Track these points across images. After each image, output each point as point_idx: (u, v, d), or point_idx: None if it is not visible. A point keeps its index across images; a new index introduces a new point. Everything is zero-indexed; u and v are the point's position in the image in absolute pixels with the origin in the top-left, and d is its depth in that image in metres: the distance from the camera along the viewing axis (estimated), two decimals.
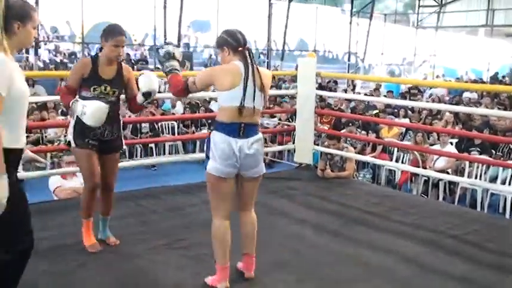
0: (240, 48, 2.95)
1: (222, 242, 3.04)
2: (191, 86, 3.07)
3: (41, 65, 16.10)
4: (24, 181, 5.92)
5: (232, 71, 2.91)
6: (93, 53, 18.44)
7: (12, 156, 2.27)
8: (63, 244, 3.64)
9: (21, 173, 6.98)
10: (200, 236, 3.84)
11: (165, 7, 17.40)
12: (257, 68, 2.97)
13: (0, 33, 2.24)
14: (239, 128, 2.91)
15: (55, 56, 18.03)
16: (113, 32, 3.41)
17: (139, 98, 3.52)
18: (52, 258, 3.39)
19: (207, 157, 2.98)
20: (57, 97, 4.48)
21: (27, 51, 16.42)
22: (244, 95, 2.88)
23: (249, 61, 2.93)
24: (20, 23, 2.32)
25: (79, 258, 3.40)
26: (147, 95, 3.48)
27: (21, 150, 2.37)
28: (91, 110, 3.13)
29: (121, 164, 6.64)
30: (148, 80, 3.47)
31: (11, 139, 2.25)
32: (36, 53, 15.86)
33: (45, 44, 17.83)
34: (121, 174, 7.17)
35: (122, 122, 3.65)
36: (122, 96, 3.65)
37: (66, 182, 5.28)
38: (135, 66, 16.78)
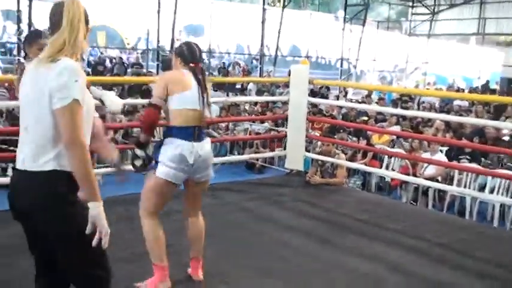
0: (191, 64, 3.06)
1: (158, 239, 3.07)
2: (155, 100, 3.01)
3: None
4: None
5: (181, 77, 3.02)
6: (85, 56, 18.28)
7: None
8: None
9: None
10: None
11: (158, 11, 17.37)
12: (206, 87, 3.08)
13: (73, 41, 2.02)
14: (194, 132, 2.99)
15: None
16: (34, 37, 3.52)
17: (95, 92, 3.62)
18: None
19: (156, 162, 3.01)
20: None
21: (19, 54, 16.36)
22: (198, 97, 3.00)
23: (202, 76, 3.05)
24: (88, 27, 2.15)
25: None
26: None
27: None
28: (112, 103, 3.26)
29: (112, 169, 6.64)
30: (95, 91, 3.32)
31: None
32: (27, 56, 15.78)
33: None
34: (110, 179, 7.13)
35: None
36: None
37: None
38: (130, 70, 16.75)
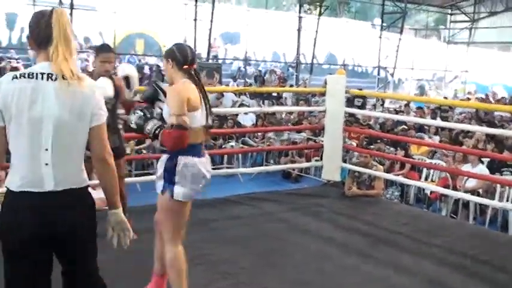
0: (185, 66, 2.85)
1: (183, 271, 2.87)
2: (181, 119, 2.72)
3: None
4: None
5: (194, 91, 2.81)
6: (123, 63, 18.67)
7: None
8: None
9: None
10: (226, 252, 3.84)
11: (195, 19, 17.57)
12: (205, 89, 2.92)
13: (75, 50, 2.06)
14: (201, 149, 2.87)
15: (86, 65, 18.36)
16: (101, 50, 3.83)
17: (127, 94, 3.84)
18: None
19: (171, 183, 2.78)
20: None
21: None
22: (207, 114, 2.87)
23: (197, 81, 2.86)
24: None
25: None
26: (126, 79, 3.80)
27: None
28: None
29: (145, 178, 6.72)
30: (123, 67, 3.86)
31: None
32: None
33: (78, 54, 18.16)
34: (147, 186, 7.21)
35: (122, 131, 3.99)
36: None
37: (95, 192, 5.33)
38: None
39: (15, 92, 1.92)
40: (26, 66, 16.32)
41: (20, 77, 1.94)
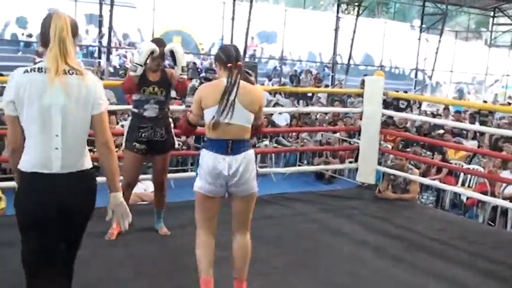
0: (229, 64, 2.91)
1: (205, 256, 2.97)
2: (190, 116, 3.05)
3: (112, 70, 16.67)
4: None
5: (215, 89, 2.89)
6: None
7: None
8: (137, 247, 3.73)
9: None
10: (259, 252, 3.83)
11: (233, 18, 17.64)
12: (241, 85, 2.89)
13: (74, 50, 2.27)
14: (227, 145, 2.86)
15: (125, 61, 18.65)
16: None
17: (176, 70, 3.92)
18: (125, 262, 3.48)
19: (197, 174, 2.95)
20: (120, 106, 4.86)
21: (99, 57, 17.08)
22: (222, 111, 2.83)
23: (234, 78, 2.88)
24: (76, 39, 2.36)
25: (130, 263, 3.47)
26: (172, 54, 3.89)
27: None
28: (144, 43, 3.82)
29: (179, 175, 6.79)
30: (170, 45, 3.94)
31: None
32: (108, 59, 16.44)
33: (116, 50, 18.46)
34: (181, 183, 7.28)
35: (172, 125, 4.04)
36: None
37: None
38: (203, 75, 17.06)
39: (27, 84, 2.16)
40: None
41: (30, 71, 2.18)
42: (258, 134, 3.41)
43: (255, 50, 19.92)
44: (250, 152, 2.93)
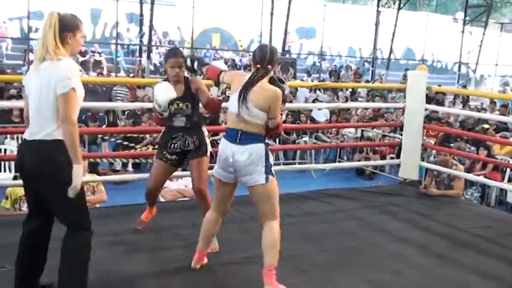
0: (258, 66, 3.08)
1: (204, 230, 3.33)
2: (222, 75, 3.35)
3: (152, 68, 16.90)
4: (133, 182, 6.26)
5: (241, 79, 3.12)
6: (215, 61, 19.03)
7: None
8: (165, 246, 3.77)
9: (130, 175, 7.41)
10: (300, 248, 3.83)
11: (271, 14, 17.60)
12: (258, 84, 3.04)
13: (55, 40, 2.63)
14: (236, 135, 3.06)
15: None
16: (169, 55, 3.81)
17: (214, 92, 3.92)
18: (156, 257, 3.53)
19: None
20: None
21: (140, 55, 17.33)
22: (237, 101, 3.04)
23: (256, 77, 3.06)
24: (72, 34, 2.71)
25: (182, 261, 3.50)
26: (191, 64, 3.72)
27: None
28: (158, 93, 3.65)
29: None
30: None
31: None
32: (148, 57, 16.67)
33: (157, 48, 18.69)
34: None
35: (205, 133, 3.90)
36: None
37: (172, 183, 5.48)
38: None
39: (28, 73, 2.77)
40: (108, 60, 17.06)
41: (32, 64, 2.77)
42: (276, 136, 3.45)
43: (289, 46, 19.81)
44: (259, 146, 3.06)
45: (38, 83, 2.64)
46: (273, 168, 3.14)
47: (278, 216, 3.17)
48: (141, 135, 8.90)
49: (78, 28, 2.75)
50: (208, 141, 3.90)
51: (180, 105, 3.74)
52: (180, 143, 3.78)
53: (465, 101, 15.17)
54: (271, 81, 3.12)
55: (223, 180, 3.18)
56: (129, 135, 8.40)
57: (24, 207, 4.53)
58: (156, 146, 4.21)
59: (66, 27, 2.68)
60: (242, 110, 3.03)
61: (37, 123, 2.66)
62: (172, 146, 3.78)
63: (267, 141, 3.17)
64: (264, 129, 3.11)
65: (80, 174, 2.62)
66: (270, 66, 3.08)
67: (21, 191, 4.50)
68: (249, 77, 3.08)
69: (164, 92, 3.65)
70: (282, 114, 3.24)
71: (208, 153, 3.88)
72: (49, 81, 2.60)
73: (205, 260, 3.42)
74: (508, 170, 7.53)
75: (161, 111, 3.69)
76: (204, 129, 3.92)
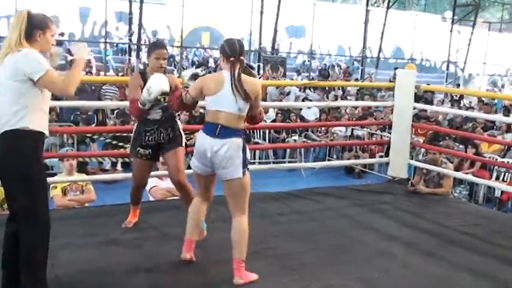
0: (231, 58, 3.14)
1: (192, 218, 3.40)
2: (186, 96, 3.33)
3: (141, 66, 16.84)
4: (123, 181, 6.23)
5: (216, 80, 3.18)
6: (190, 56, 18.99)
7: (34, 136, 2.73)
8: (155, 244, 3.76)
9: (120, 174, 7.37)
10: (289, 246, 3.84)
11: (261, 12, 17.60)
12: (240, 78, 3.11)
13: (19, 37, 2.70)
14: (216, 129, 3.12)
15: None
16: (154, 46, 3.90)
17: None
18: (147, 256, 3.53)
19: None
20: None
21: (129, 54, 17.27)
22: (220, 99, 3.12)
23: (234, 71, 3.11)
24: (41, 32, 2.77)
25: (172, 259, 3.49)
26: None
27: (42, 133, 2.78)
28: (153, 82, 3.59)
29: None
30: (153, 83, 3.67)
31: (37, 121, 2.72)
32: (137, 56, 16.61)
33: (146, 47, 18.62)
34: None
35: (179, 125, 3.98)
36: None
37: (162, 182, 5.46)
38: None
39: None
40: (97, 59, 16.98)
41: None
42: (258, 122, 3.52)
43: (278, 45, 19.83)
44: (237, 140, 3.13)
45: (1, 78, 2.69)
46: (249, 165, 3.23)
47: (247, 211, 3.27)
48: (131, 134, 8.85)
49: (48, 27, 2.81)
50: (182, 132, 3.95)
51: (159, 97, 3.73)
52: (155, 135, 3.81)
53: (458, 100, 15.19)
54: (244, 70, 3.23)
55: (202, 173, 3.27)
56: (118, 134, 8.36)
57: None
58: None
59: (36, 25, 2.75)
60: (227, 108, 3.11)
61: (1, 115, 2.68)
62: (146, 138, 3.81)
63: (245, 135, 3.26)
64: (244, 122, 3.21)
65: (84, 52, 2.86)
66: (243, 58, 3.18)
67: None
68: (231, 73, 3.12)
69: (159, 83, 3.64)
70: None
71: (184, 144, 3.93)
72: (11, 71, 2.65)
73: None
74: (496, 168, 7.59)
75: (148, 102, 3.67)
76: (178, 121, 3.98)
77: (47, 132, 2.80)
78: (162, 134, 3.83)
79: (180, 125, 3.99)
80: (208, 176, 3.28)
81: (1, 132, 2.68)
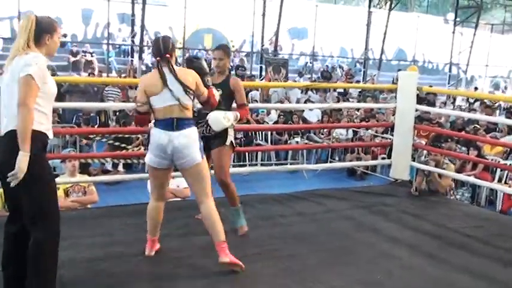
0: (157, 58, 3.36)
1: (152, 218, 3.52)
2: (137, 106, 3.48)
3: (144, 68, 16.86)
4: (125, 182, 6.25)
5: (155, 78, 3.34)
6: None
7: (45, 140, 2.74)
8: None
9: (122, 175, 7.39)
10: (292, 248, 3.84)
11: (263, 14, 17.60)
12: (174, 73, 3.31)
13: (27, 41, 2.71)
14: (172, 123, 3.29)
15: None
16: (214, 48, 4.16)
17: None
18: (144, 259, 3.53)
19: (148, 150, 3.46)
20: None
21: (132, 55, 17.29)
22: (166, 95, 3.29)
23: (165, 69, 3.31)
24: (49, 35, 2.78)
25: (172, 260, 3.50)
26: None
27: (45, 135, 2.76)
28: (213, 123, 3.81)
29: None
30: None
31: (39, 123, 2.68)
32: (140, 57, 16.63)
33: (148, 49, 18.62)
34: (212, 180, 7.27)
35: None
36: None
37: None
38: (233, 72, 17.09)
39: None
40: (100, 60, 17.00)
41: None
42: (212, 106, 3.71)
43: (280, 46, 19.80)
44: (193, 129, 3.36)
45: (8, 80, 2.70)
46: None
47: (211, 193, 3.41)
48: (133, 136, 8.87)
49: (55, 29, 2.82)
50: (231, 131, 4.04)
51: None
52: (202, 129, 3.97)
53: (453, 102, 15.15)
54: (188, 60, 3.55)
55: (158, 167, 3.40)
56: (120, 135, 8.36)
57: None
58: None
59: (44, 29, 2.76)
60: (173, 100, 3.28)
61: (6, 118, 2.69)
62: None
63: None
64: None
65: (23, 162, 2.54)
66: (168, 55, 3.34)
67: None
68: (164, 71, 3.31)
69: (217, 124, 3.88)
70: (210, 87, 3.60)
71: (229, 143, 4.03)
72: (16, 72, 2.65)
73: (157, 246, 3.60)
74: (498, 170, 7.58)
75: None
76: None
77: (50, 135, 2.77)
78: (208, 128, 3.93)
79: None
80: (165, 170, 3.44)
81: (6, 132, 2.67)
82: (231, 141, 4.03)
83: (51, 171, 2.78)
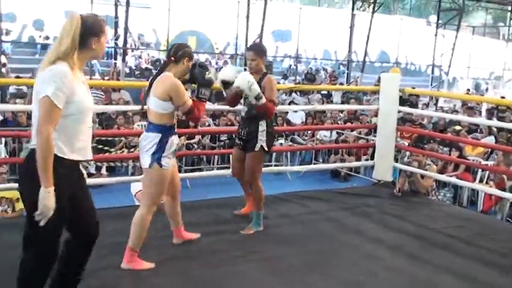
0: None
1: (168, 213, 3.76)
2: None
3: (127, 70, 16.78)
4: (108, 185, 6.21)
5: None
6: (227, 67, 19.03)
7: (66, 165, 2.43)
8: (147, 247, 3.74)
9: (105, 178, 7.33)
10: (276, 250, 3.85)
11: (247, 16, 17.62)
12: (158, 78, 3.38)
13: (71, 47, 2.40)
14: (146, 125, 3.49)
15: (140, 63, 18.75)
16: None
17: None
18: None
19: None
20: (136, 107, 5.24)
21: (115, 58, 17.20)
22: (147, 98, 3.43)
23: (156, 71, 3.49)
24: (96, 38, 2.49)
25: (162, 261, 3.48)
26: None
27: (76, 161, 2.50)
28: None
29: (194, 174, 6.81)
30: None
31: (65, 150, 2.42)
32: (123, 60, 16.54)
33: (132, 51, 18.55)
34: (200, 182, 7.31)
35: (261, 127, 4.07)
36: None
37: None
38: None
39: None
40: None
41: None
42: (194, 121, 3.82)
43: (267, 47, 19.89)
44: (152, 134, 3.35)
45: (34, 90, 2.41)
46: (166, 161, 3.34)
47: (151, 207, 3.37)
48: (116, 138, 8.82)
49: (103, 31, 2.51)
50: (263, 136, 4.07)
51: (244, 93, 4.07)
52: (239, 131, 4.22)
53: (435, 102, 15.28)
54: (191, 67, 3.46)
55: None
56: (103, 138, 8.32)
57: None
58: (131, 149, 4.37)
59: (91, 31, 2.45)
60: (155, 103, 3.34)
61: (33, 130, 2.40)
62: (238, 132, 4.24)
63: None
64: (169, 118, 3.36)
65: (45, 199, 2.28)
66: (167, 59, 3.46)
67: (16, 193, 4.48)
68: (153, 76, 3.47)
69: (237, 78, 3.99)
70: (204, 100, 3.52)
71: (259, 148, 4.07)
72: (37, 88, 2.38)
73: (193, 236, 3.85)
74: (480, 170, 7.67)
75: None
76: (263, 124, 4.08)
77: (84, 155, 2.56)
78: (243, 131, 4.14)
79: (262, 128, 4.06)
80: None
81: (30, 147, 2.42)
82: (261, 146, 4.07)
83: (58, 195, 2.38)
